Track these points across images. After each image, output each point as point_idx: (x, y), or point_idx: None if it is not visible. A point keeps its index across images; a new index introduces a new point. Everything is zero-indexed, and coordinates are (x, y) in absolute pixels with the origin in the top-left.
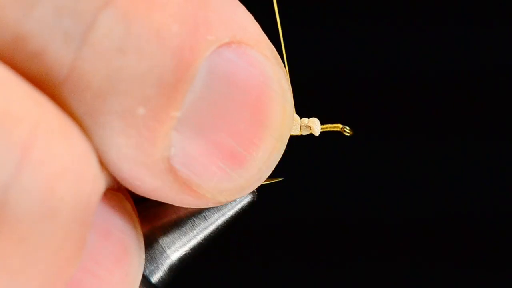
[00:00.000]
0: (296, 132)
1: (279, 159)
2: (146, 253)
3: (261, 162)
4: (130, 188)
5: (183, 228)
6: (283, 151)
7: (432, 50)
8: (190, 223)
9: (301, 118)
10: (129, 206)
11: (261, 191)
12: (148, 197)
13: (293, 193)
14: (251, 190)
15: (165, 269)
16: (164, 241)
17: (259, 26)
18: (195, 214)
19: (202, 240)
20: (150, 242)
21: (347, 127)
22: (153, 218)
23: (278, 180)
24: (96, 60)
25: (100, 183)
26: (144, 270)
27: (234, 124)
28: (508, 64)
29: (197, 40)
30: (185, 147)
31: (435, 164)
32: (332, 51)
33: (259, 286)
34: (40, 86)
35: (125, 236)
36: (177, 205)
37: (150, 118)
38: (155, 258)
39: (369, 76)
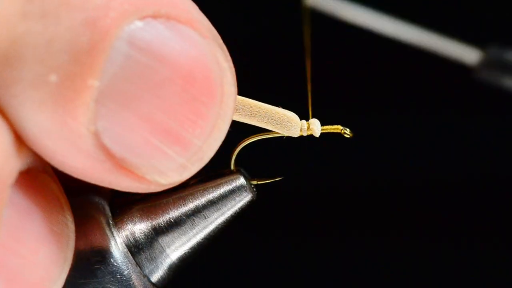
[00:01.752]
0: (296, 133)
1: (222, 138)
2: (145, 252)
3: (200, 140)
4: (60, 168)
5: (183, 227)
6: (226, 130)
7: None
8: (189, 222)
9: (301, 119)
10: (55, 186)
11: (261, 190)
12: (83, 178)
13: (293, 192)
14: (194, 171)
15: (165, 268)
16: (163, 240)
17: (194, 5)
18: (195, 213)
19: (202, 239)
20: (150, 241)
21: (347, 129)
22: (152, 217)
23: (278, 179)
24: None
25: (13, 163)
26: (144, 270)
27: (164, 99)
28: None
29: (112, 8)
30: (113, 121)
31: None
32: (334, 54)
33: (259, 285)
34: None
35: (50, 216)
36: (116, 188)
37: (65, 86)
38: (155, 258)
39: (370, 78)
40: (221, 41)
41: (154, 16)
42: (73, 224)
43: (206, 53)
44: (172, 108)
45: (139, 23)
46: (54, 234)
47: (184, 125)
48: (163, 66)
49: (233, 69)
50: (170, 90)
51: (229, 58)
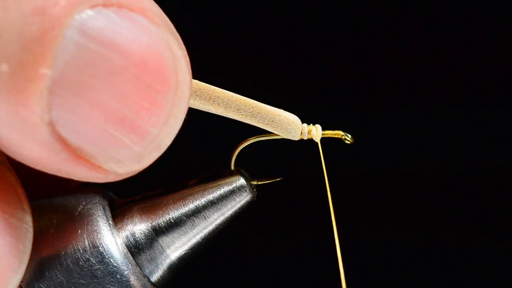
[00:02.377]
0: (297, 137)
1: (179, 126)
2: (145, 252)
3: (156, 128)
4: (16, 158)
5: (183, 228)
6: (182, 118)
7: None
8: (189, 222)
9: (303, 122)
10: (11, 178)
11: (261, 190)
12: (40, 168)
13: (293, 192)
14: (152, 160)
15: (165, 268)
16: (163, 240)
17: None
18: (195, 213)
19: (202, 239)
20: (150, 241)
21: (349, 135)
22: (152, 217)
23: (277, 179)
24: None
25: None
26: (144, 270)
27: (118, 87)
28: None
29: None
30: (68, 110)
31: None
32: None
33: (260, 285)
34: None
35: (7, 207)
36: (73, 178)
37: (16, 76)
38: (155, 258)
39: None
40: (174, 29)
41: (105, 5)
42: (31, 216)
43: (158, 40)
44: (126, 96)
45: (90, 12)
46: (12, 226)
47: (139, 113)
48: (115, 54)
49: (187, 57)
50: (123, 78)
51: (182, 46)
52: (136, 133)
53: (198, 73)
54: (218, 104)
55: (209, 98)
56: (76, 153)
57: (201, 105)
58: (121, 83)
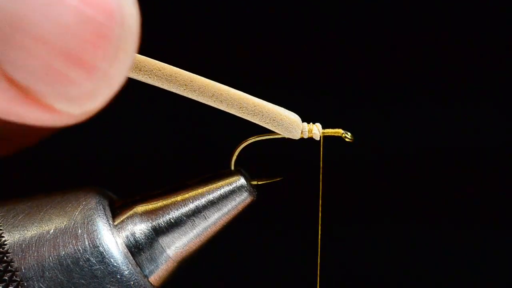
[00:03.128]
0: (297, 136)
1: (130, 62)
2: (146, 252)
3: (105, 63)
4: None
5: (183, 228)
6: (133, 54)
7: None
8: (190, 222)
9: (303, 122)
10: None
11: (261, 190)
12: None
13: (293, 192)
14: (106, 98)
15: (165, 268)
16: (164, 240)
17: None
18: (195, 213)
19: (202, 239)
20: (150, 241)
21: (349, 133)
22: (153, 217)
23: (278, 179)
24: None
25: None
26: (144, 270)
27: (60, 21)
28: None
29: None
30: (10, 46)
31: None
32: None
33: (259, 285)
34: None
35: None
36: (26, 122)
37: None
38: (155, 258)
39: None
40: None
41: None
42: None
43: None
44: (68, 28)
45: None
46: None
47: (84, 46)
48: None
49: None
50: (62, 9)
51: None
52: (84, 68)
53: (201, 69)
54: (221, 101)
55: (212, 95)
56: (24, 92)
57: (203, 100)
58: (60, 14)
